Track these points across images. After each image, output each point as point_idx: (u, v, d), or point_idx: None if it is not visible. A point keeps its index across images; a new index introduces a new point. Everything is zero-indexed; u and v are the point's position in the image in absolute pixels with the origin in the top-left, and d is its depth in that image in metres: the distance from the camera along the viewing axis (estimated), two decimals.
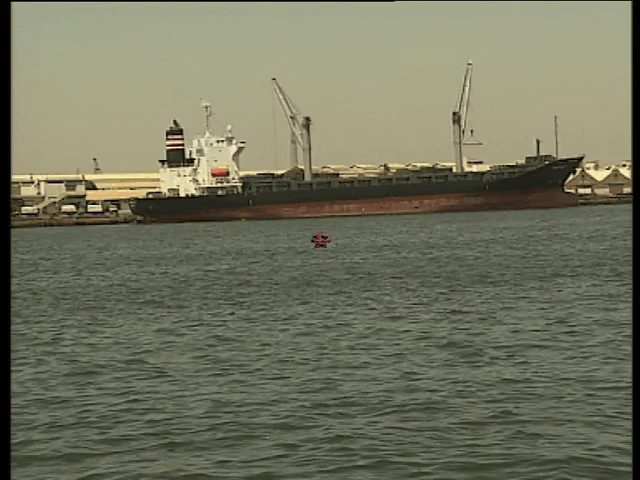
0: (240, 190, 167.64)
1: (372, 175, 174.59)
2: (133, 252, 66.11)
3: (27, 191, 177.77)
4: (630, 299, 25.73)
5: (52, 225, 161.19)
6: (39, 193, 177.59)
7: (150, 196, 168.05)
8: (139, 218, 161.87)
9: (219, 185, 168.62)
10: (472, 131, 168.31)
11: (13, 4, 15.65)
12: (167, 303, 30.79)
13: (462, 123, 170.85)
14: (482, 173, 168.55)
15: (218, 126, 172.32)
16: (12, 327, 25.71)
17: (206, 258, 56.00)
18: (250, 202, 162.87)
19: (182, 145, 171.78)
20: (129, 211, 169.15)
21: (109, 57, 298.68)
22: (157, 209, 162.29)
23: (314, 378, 17.32)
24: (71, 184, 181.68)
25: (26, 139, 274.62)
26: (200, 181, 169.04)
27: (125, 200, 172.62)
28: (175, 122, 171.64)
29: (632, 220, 14.23)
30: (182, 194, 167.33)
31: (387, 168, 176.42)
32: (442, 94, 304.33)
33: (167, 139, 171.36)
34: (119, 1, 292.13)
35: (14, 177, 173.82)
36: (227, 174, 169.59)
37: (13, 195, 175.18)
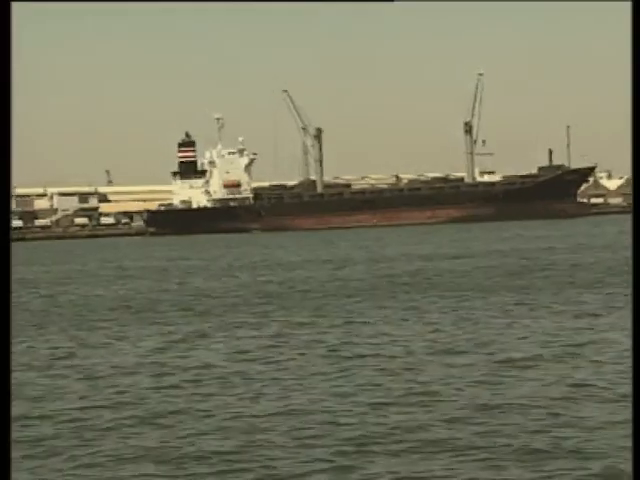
0: (252, 201, 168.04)
1: (384, 186, 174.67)
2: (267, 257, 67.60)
3: (40, 204, 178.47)
4: None
5: (65, 238, 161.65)
6: (52, 206, 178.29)
7: (162, 208, 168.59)
8: (152, 230, 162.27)
9: (231, 197, 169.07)
10: (484, 141, 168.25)
11: (14, 4, 15.73)
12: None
13: (474, 133, 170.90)
14: (494, 183, 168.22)
15: (229, 138, 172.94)
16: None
17: (338, 262, 57.68)
18: (262, 213, 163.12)
19: (194, 157, 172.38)
20: (142, 223, 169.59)
21: (120, 68, 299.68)
22: (169, 221, 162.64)
23: None
24: (84, 197, 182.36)
25: (39, 152, 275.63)
26: (212, 193, 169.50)
27: (137, 212, 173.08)
28: (187, 134, 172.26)
29: (632, 223, 14.06)
30: (194, 206, 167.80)
31: (399, 178, 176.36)
32: (453, 104, 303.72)
33: (179, 151, 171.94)
34: (128, 14, 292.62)
35: (27, 190, 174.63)
36: (239, 186, 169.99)
37: (26, 208, 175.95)
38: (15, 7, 21.42)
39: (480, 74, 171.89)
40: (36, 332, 28.80)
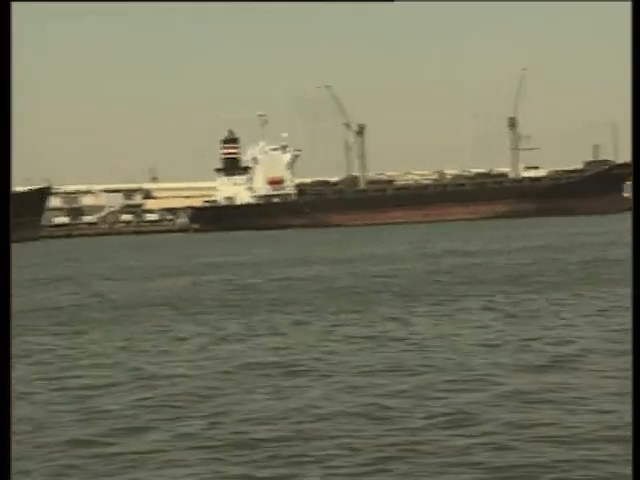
0: (295, 198, 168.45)
1: (427, 181, 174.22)
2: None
3: (87, 201, 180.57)
4: None
5: (110, 234, 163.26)
6: (98, 203, 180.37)
7: (206, 205, 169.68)
8: (195, 226, 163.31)
9: (274, 193, 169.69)
10: (529, 136, 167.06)
11: (14, 4, 15.88)
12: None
13: (518, 128, 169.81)
14: (539, 178, 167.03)
15: (272, 134, 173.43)
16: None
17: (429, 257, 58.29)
18: (305, 210, 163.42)
19: (237, 154, 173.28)
20: (185, 219, 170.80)
21: (164, 66, 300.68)
22: (213, 217, 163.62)
23: None
24: (129, 193, 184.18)
25: (85, 150, 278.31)
26: (255, 189, 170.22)
27: (181, 209, 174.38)
28: (230, 131, 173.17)
29: (632, 223, 13.96)
30: (237, 202, 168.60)
31: (442, 174, 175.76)
32: (497, 99, 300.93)
33: (222, 148, 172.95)
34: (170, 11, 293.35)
35: (75, 187, 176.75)
36: (282, 182, 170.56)
37: (73, 205, 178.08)
38: (15, 7, 21.62)
39: (524, 69, 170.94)
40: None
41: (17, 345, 24.41)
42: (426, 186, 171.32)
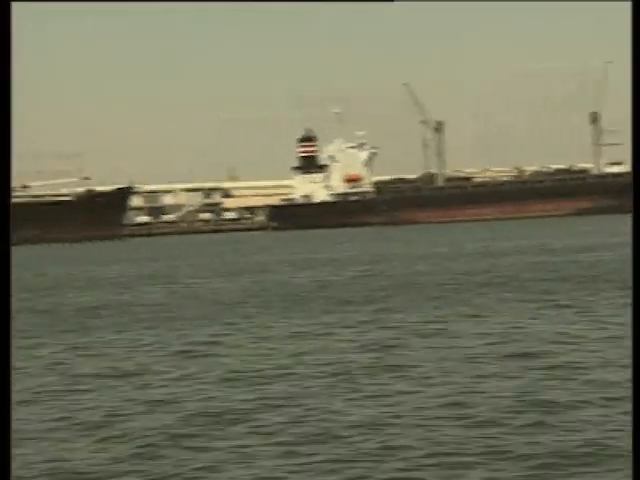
0: (372, 196, 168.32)
1: (506, 178, 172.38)
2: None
3: (167, 200, 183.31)
4: None
5: (189, 233, 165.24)
6: (178, 202, 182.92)
7: (283, 203, 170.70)
8: (273, 224, 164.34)
9: (351, 191, 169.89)
10: (613, 130, 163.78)
11: (14, 4, 15.88)
12: None
13: (601, 123, 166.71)
14: (622, 174, 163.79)
15: (349, 132, 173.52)
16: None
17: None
18: (383, 208, 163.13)
19: (315, 152, 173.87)
20: (263, 218, 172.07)
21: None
22: (290, 216, 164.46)
23: None
24: (208, 192, 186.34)
25: (166, 149, 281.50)
26: (332, 187, 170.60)
27: (259, 207, 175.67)
28: (308, 129, 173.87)
29: (632, 223, 13.67)
30: (315, 200, 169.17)
31: (521, 171, 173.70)
32: (578, 93, 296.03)
33: (300, 146, 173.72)
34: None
35: (154, 187, 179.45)
36: (359, 180, 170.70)
37: (154, 204, 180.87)
38: (15, 7, 21.62)
39: (608, 62, 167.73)
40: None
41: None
42: (504, 183, 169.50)
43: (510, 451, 12.61)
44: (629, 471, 10.80)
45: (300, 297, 36.05)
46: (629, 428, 12.14)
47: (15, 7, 22.34)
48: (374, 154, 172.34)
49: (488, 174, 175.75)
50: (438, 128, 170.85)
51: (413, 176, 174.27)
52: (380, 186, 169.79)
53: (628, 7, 15.99)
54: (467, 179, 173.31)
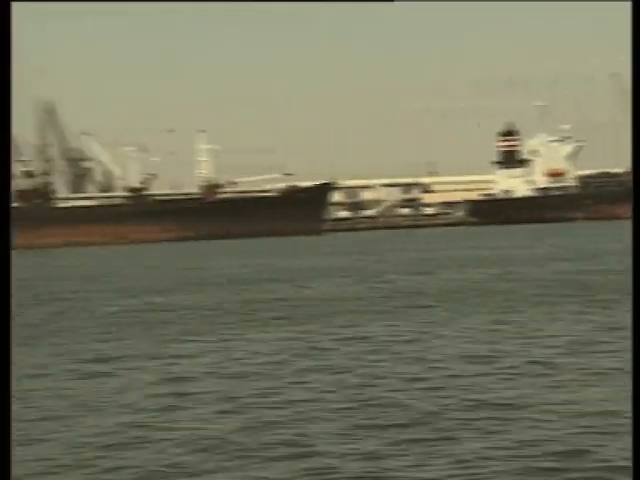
0: (575, 190, 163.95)
1: None
2: None
3: (366, 195, 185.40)
4: None
5: (388, 228, 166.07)
6: (378, 197, 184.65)
7: (483, 198, 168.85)
8: (473, 220, 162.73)
9: (553, 185, 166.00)
10: None
11: (14, 4, 15.72)
12: None
13: None
14: None
15: (552, 125, 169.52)
16: None
17: None
18: (587, 202, 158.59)
19: (517, 146, 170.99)
20: (462, 213, 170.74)
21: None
22: (491, 211, 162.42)
23: None
24: (407, 188, 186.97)
25: (363, 145, 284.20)
26: (534, 182, 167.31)
27: (458, 202, 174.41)
28: (509, 123, 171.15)
29: (632, 224, 13.46)
30: (516, 195, 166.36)
31: None
32: None
33: (501, 140, 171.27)
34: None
35: (354, 182, 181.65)
36: (562, 174, 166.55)
37: (354, 199, 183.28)
38: (15, 7, 21.31)
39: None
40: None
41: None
42: None
43: None
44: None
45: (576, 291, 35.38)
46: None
47: (15, 7, 22.94)
48: (579, 147, 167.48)
49: None
50: None
51: (620, 170, 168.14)
52: (585, 180, 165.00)
53: (628, 7, 15.66)
54: None
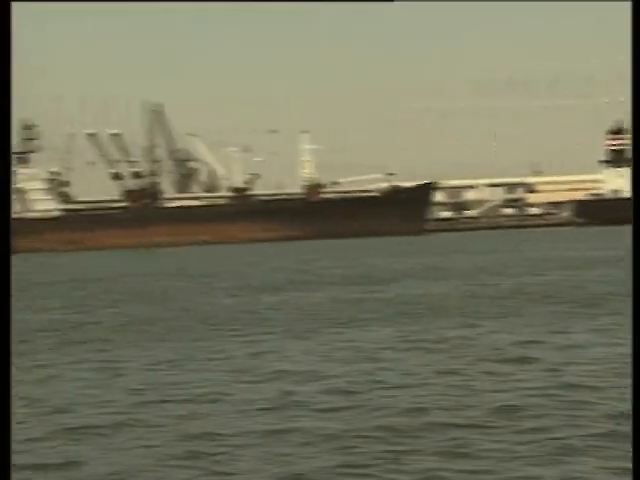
0: None
1: None
2: None
3: (469, 195, 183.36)
4: None
5: (491, 228, 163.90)
6: (481, 197, 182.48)
7: (591, 198, 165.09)
8: (579, 220, 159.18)
9: None
10: None
11: (14, 4, 15.17)
12: None
13: None
14: None
15: None
16: None
17: None
18: None
19: (625, 145, 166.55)
20: (569, 213, 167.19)
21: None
22: (598, 211, 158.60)
23: None
24: (511, 188, 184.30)
25: (467, 144, 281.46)
26: None
27: (565, 202, 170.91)
28: (618, 121, 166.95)
29: (632, 224, 13.90)
30: (625, 195, 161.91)
31: None
32: None
33: (609, 139, 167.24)
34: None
35: (457, 182, 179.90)
36: None
37: (457, 199, 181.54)
38: (15, 7, 20.69)
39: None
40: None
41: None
42: None
43: None
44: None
45: None
46: None
47: (15, 7, 22.68)
48: None
49: None
50: None
51: None
52: None
53: (628, 7, 14.83)
54: None
